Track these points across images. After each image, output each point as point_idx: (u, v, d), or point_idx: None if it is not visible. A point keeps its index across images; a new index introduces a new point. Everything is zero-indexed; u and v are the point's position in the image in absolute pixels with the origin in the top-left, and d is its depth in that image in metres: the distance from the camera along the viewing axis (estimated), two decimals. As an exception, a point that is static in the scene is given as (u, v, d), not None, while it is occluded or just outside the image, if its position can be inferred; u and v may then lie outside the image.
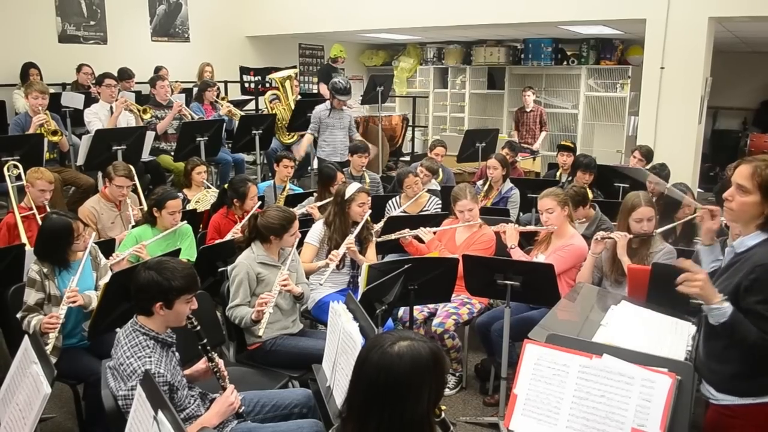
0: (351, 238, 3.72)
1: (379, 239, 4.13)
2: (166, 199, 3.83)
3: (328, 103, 6.52)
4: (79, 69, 6.89)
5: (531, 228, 3.87)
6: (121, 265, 3.52)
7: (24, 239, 3.87)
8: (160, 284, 2.25)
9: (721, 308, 1.96)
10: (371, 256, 3.94)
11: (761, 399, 1.96)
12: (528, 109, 8.25)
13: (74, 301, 2.96)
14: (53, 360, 2.58)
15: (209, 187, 5.03)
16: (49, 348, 2.78)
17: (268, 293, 3.08)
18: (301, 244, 3.73)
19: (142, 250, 3.65)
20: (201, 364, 2.50)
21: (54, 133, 5.27)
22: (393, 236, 4.06)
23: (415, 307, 3.47)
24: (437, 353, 1.55)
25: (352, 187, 3.84)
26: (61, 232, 3.04)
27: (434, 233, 4.03)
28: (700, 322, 2.69)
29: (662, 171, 4.93)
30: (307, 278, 3.57)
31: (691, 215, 4.01)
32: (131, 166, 4.46)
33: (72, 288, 2.97)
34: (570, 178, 5.49)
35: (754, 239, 2.00)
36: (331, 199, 4.07)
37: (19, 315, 2.98)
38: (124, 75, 6.89)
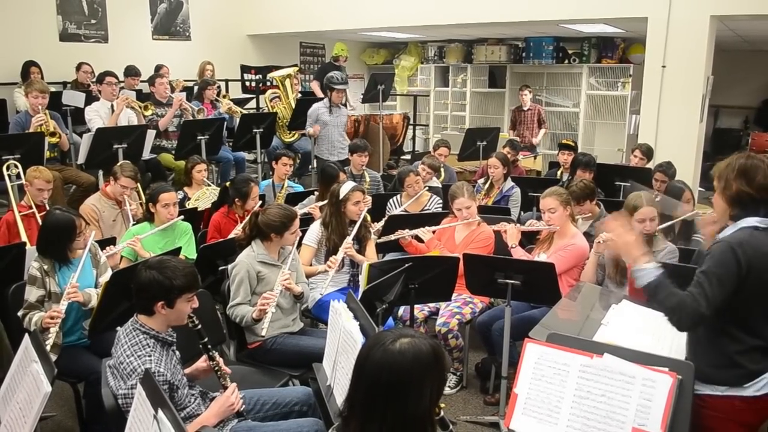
0: (348, 240, 3.71)
1: (378, 240, 4.12)
2: (158, 193, 3.86)
3: (326, 100, 6.50)
4: (78, 67, 6.88)
5: (532, 227, 3.85)
6: (114, 258, 3.53)
7: (24, 237, 3.87)
8: (162, 283, 2.25)
9: (645, 269, 2.08)
10: (371, 254, 3.93)
11: (729, 392, 2.04)
12: (525, 108, 8.23)
13: (74, 297, 2.96)
14: (53, 358, 2.57)
15: (209, 185, 5.03)
16: (49, 343, 2.78)
17: (270, 292, 3.07)
18: (301, 244, 3.72)
19: (136, 243, 3.67)
20: (202, 363, 2.50)
21: (52, 134, 5.26)
22: (392, 237, 4.05)
23: (415, 306, 3.46)
24: (438, 350, 1.55)
25: (346, 187, 3.81)
26: (64, 227, 3.05)
27: (433, 232, 4.02)
28: None
29: (669, 169, 4.90)
30: (308, 279, 3.56)
31: (691, 213, 4.01)
32: (137, 169, 4.47)
33: (72, 284, 2.98)
34: (570, 177, 5.48)
35: (728, 231, 2.10)
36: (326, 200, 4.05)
37: (20, 313, 2.98)
38: (131, 72, 6.88)
